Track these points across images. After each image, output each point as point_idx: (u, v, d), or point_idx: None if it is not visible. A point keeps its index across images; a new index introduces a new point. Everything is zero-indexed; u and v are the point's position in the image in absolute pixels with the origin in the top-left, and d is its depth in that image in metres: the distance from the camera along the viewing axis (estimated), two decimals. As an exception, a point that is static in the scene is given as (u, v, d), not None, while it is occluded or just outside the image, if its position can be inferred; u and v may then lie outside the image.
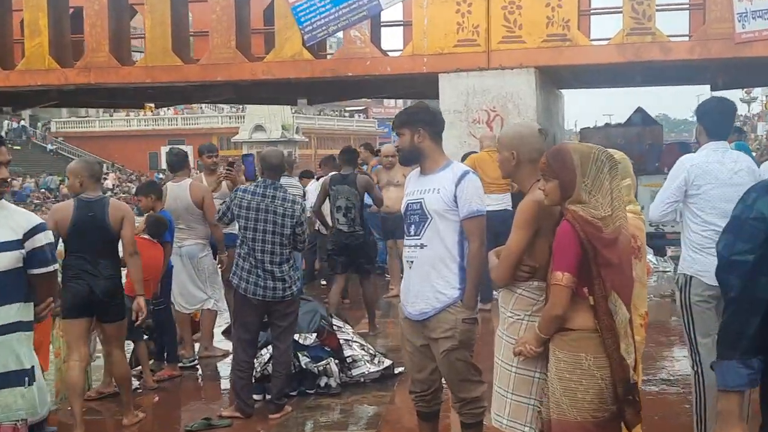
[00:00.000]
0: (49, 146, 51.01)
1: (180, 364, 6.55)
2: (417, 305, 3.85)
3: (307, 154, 52.28)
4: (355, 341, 6.06)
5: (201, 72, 12.04)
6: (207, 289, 6.90)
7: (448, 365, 3.83)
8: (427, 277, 3.81)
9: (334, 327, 6.06)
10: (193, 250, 6.82)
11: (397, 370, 6.07)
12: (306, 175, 11.01)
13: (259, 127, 48.86)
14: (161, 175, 48.46)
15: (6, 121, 50.41)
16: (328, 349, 5.91)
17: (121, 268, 5.28)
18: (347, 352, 5.90)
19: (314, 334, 5.90)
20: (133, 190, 44.47)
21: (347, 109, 69.58)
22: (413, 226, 3.88)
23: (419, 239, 3.85)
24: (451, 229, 3.80)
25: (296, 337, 5.69)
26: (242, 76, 11.91)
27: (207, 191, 6.96)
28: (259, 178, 5.57)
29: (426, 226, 3.82)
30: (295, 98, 15.28)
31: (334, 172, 7.98)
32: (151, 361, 6.42)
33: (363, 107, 72.29)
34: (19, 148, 48.61)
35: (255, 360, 5.79)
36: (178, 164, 6.98)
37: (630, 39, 10.69)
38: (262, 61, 11.92)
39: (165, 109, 54.50)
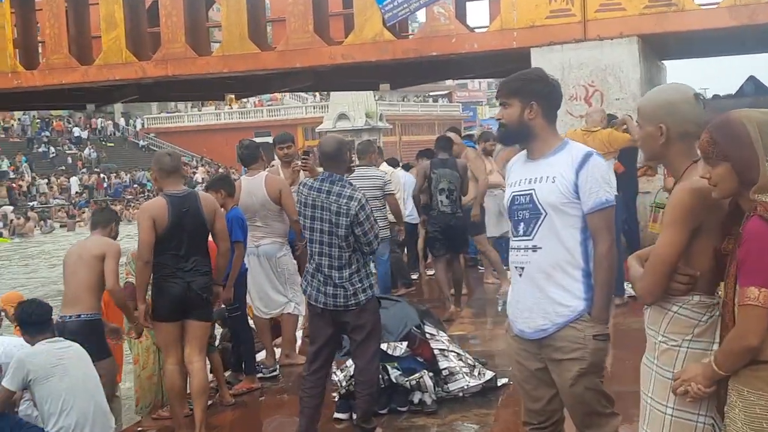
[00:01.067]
0: (141, 142, 52.16)
1: (259, 375, 6.01)
2: (532, 321, 3.10)
3: (391, 141, 51.83)
4: (452, 351, 5.34)
5: (279, 59, 11.55)
6: (287, 292, 6.34)
7: (575, 395, 3.07)
8: (544, 287, 3.06)
9: (427, 335, 5.36)
10: (270, 250, 6.26)
11: (500, 382, 5.34)
12: (391, 164, 10.35)
13: (342, 116, 48.64)
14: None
15: (100, 119, 51.89)
16: (421, 360, 5.23)
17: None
18: (443, 364, 5.19)
19: (404, 343, 5.23)
20: None
21: (430, 94, 68.82)
22: (522, 224, 3.13)
23: (530, 240, 3.10)
24: (571, 227, 3.05)
25: (384, 346, 5.04)
26: (321, 61, 11.35)
27: (284, 184, 6.38)
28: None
29: (539, 223, 3.07)
30: (377, 83, 14.63)
31: (433, 158, 7.90)
32: (227, 373, 5.90)
33: (446, 91, 71.44)
34: (113, 145, 50.03)
35: (340, 373, 5.20)
36: (249, 157, 6.42)
37: (743, 0, 9.57)
38: (341, 44, 11.32)
39: (250, 101, 55.10)
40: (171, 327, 4.90)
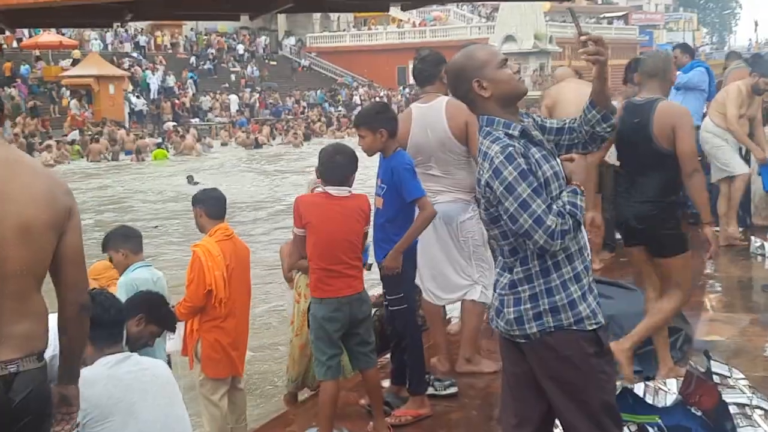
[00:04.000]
0: (303, 61, 51.44)
1: (431, 391, 4.17)
2: None
3: (560, 66, 48.17)
4: (758, 406, 3.22)
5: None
6: (472, 270, 4.44)
7: None
8: None
9: (714, 372, 3.27)
10: (451, 210, 4.35)
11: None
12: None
13: (509, 38, 45.61)
14: (407, 91, 47.30)
15: (263, 38, 51.52)
16: (698, 414, 3.18)
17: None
18: (744, 427, 3.11)
19: (673, 383, 3.19)
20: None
21: (604, 15, 63.93)
22: None
23: None
24: None
25: (643, 390, 3.03)
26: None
27: (472, 115, 4.38)
28: None
29: None
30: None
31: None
32: (385, 383, 4.11)
33: (622, 13, 66.30)
34: (275, 63, 49.59)
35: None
36: (426, 74, 4.47)
37: None
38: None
39: (412, 21, 52.85)
40: None
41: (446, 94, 4.49)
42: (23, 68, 33.97)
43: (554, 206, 2.53)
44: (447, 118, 4.31)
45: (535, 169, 2.57)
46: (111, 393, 2.78)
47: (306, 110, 41.10)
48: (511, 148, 2.54)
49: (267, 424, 4.51)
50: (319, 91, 44.68)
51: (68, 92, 33.03)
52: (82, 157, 26.90)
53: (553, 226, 2.48)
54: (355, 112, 41.02)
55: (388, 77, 50.38)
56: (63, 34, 35.63)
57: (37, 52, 35.63)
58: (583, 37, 2.67)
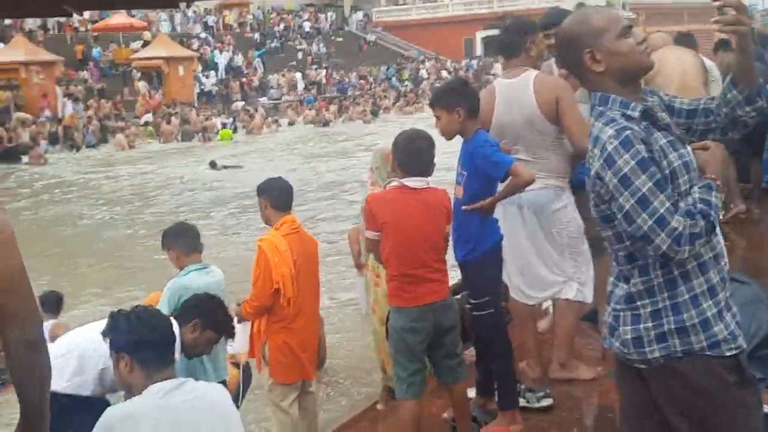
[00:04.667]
0: (369, 37, 50.91)
1: (522, 403, 3.71)
2: None
3: (656, 32, 46.43)
4: None
5: None
6: (565, 265, 3.96)
7: None
8: None
9: None
10: (541, 198, 3.87)
11: None
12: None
13: (580, 5, 44.06)
14: (474, 63, 46.30)
15: (329, 14, 51.18)
16: None
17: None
18: None
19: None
20: (448, 82, 42.14)
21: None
22: None
23: None
24: None
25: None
26: None
27: (565, 88, 3.89)
28: None
29: None
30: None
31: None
32: (470, 394, 3.69)
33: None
34: (341, 40, 49.21)
35: None
36: (514, 45, 3.97)
37: None
38: None
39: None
40: None
41: (535, 68, 4.00)
42: (95, 51, 34.48)
43: (682, 204, 2.05)
44: (535, 93, 3.82)
45: (659, 158, 2.09)
46: (158, 429, 2.40)
47: (372, 86, 40.63)
48: (628, 132, 2.06)
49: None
50: (385, 67, 44.16)
51: (139, 74, 33.41)
52: (155, 138, 27.11)
53: (680, 229, 2.00)
54: (422, 86, 40.76)
55: (454, 49, 49.51)
56: (133, 16, 36.01)
57: (107, 35, 36.14)
58: (717, 2, 2.15)
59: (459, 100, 3.42)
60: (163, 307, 3.74)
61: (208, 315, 3.53)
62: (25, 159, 22.27)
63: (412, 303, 3.21)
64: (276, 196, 4.31)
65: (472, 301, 3.48)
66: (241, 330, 4.22)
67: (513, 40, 3.96)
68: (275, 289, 4.09)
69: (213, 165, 19.45)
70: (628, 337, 2.14)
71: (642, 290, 2.14)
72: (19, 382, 1.97)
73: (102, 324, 2.66)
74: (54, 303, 6.32)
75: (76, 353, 3.38)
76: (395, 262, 3.24)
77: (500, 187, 3.42)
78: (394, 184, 3.33)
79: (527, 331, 4.12)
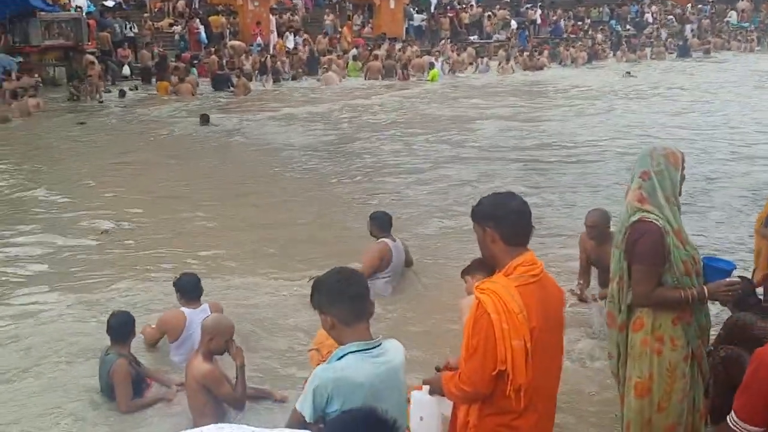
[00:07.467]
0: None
1: None
2: None
3: None
4: None
5: None
6: None
7: None
8: None
9: None
10: None
11: None
12: None
13: None
14: (708, 8, 41.15)
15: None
16: None
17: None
18: None
19: None
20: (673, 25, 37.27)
21: None
22: None
23: None
24: None
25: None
26: None
27: None
28: None
29: None
30: None
31: None
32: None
33: None
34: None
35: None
36: None
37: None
38: None
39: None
40: None
41: None
42: (310, -20, 34.12)
43: None
44: None
45: None
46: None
47: (589, 29, 37.37)
48: None
49: None
50: (605, 7, 40.51)
51: (351, 6, 32.70)
52: (361, 72, 26.29)
53: None
54: (646, 32, 36.75)
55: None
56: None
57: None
58: None
59: None
60: (306, 407, 2.58)
61: None
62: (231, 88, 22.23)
63: None
64: (510, 223, 2.93)
65: None
66: (431, 407, 2.98)
67: None
68: (498, 371, 2.77)
69: (203, 120, 16.25)
70: None
71: None
72: None
73: None
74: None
75: None
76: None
77: None
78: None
79: None
